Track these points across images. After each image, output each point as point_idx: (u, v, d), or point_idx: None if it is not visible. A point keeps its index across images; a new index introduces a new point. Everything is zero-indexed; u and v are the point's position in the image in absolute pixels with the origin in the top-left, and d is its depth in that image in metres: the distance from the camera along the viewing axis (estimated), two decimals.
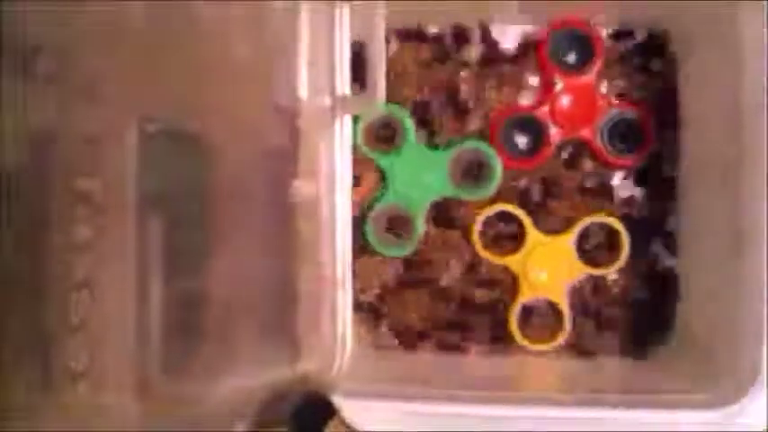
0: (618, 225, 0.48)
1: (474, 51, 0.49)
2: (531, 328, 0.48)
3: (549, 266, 0.48)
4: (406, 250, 0.48)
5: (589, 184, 0.49)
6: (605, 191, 0.49)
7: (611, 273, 0.48)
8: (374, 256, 0.49)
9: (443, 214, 0.49)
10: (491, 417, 0.40)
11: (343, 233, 0.41)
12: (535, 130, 0.49)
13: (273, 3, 0.39)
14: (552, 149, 0.48)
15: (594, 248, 0.48)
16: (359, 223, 0.48)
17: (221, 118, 0.37)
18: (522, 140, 0.49)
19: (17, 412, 0.30)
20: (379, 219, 0.48)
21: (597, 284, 0.49)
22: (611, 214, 0.48)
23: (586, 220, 0.48)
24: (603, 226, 0.48)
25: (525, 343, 0.48)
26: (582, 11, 0.48)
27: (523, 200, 0.49)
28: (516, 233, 0.48)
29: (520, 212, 0.48)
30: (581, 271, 0.48)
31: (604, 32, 0.49)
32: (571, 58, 0.49)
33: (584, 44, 0.48)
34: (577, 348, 0.48)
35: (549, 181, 0.49)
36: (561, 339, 0.48)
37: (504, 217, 0.48)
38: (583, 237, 0.48)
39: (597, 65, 0.48)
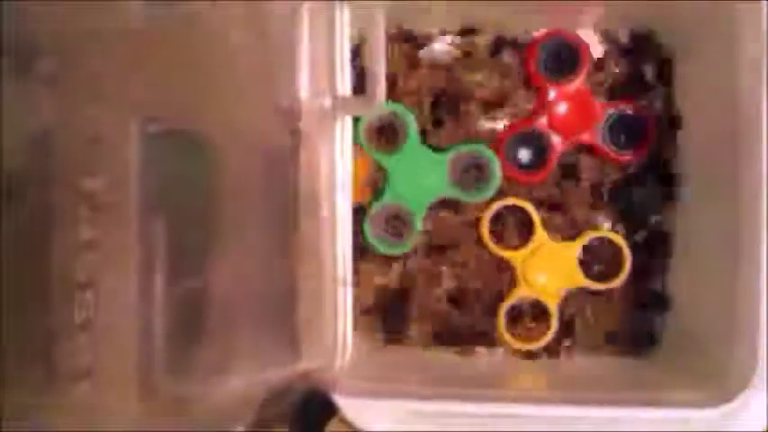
0: (622, 243, 0.48)
1: (472, 50, 0.49)
2: (521, 327, 0.48)
3: (549, 270, 0.48)
4: (403, 249, 0.48)
5: (591, 184, 0.49)
6: (605, 190, 0.49)
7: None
8: (375, 256, 0.49)
9: (443, 213, 0.49)
10: (491, 416, 0.40)
11: (343, 233, 0.41)
12: (538, 142, 0.49)
13: (273, 3, 0.39)
14: (557, 158, 0.48)
15: (596, 262, 0.49)
16: (358, 222, 0.48)
17: (222, 118, 0.37)
18: (526, 154, 0.49)
19: (20, 411, 0.30)
20: (377, 218, 0.48)
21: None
22: (610, 213, 0.48)
23: (593, 234, 0.48)
24: (608, 241, 0.48)
25: (511, 340, 0.48)
26: (580, 10, 0.48)
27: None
28: (523, 232, 0.49)
29: (530, 208, 0.48)
30: (580, 283, 0.48)
31: (603, 32, 0.49)
32: (559, 66, 0.48)
33: (569, 51, 0.48)
34: (575, 347, 0.49)
35: (554, 194, 0.49)
36: (547, 341, 0.48)
37: (513, 213, 0.49)
38: (587, 249, 0.48)
39: (584, 70, 0.48)
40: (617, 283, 0.48)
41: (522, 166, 0.49)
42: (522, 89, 0.49)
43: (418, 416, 0.40)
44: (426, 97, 0.49)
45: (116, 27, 0.34)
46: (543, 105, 0.49)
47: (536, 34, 0.48)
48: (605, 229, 0.49)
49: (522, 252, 0.48)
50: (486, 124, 0.49)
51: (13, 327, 0.31)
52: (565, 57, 0.48)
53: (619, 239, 0.48)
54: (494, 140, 0.48)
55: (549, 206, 0.49)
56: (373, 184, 0.49)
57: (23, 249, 0.31)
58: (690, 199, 0.48)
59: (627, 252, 0.48)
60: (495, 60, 0.49)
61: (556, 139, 0.48)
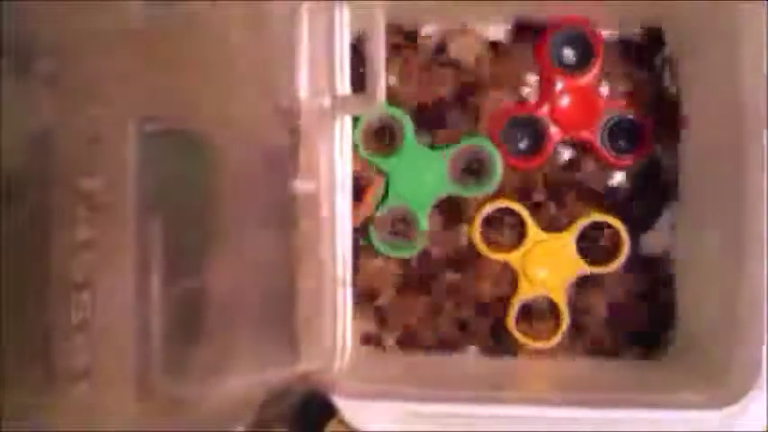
0: (618, 224, 0.48)
1: (473, 50, 0.49)
2: (530, 326, 0.48)
3: (549, 264, 0.48)
4: (412, 251, 0.48)
5: (589, 183, 0.49)
6: (605, 190, 0.49)
7: (610, 272, 0.48)
8: (376, 257, 0.49)
9: (445, 213, 0.49)
10: (491, 417, 0.40)
11: (343, 233, 0.41)
12: (535, 129, 0.48)
13: (273, 3, 0.39)
14: (552, 149, 0.48)
15: (595, 247, 0.48)
16: (363, 227, 0.48)
17: (221, 118, 0.37)
18: (522, 140, 0.49)
19: (19, 412, 0.31)
20: (382, 221, 0.48)
21: (597, 284, 0.49)
22: (611, 213, 0.48)
23: (587, 219, 0.48)
24: (604, 225, 0.48)
25: (524, 340, 0.48)
26: (582, 11, 0.47)
27: (524, 198, 0.49)
28: (517, 230, 0.48)
29: (521, 209, 0.48)
30: (581, 269, 0.48)
31: (604, 33, 0.49)
32: (571, 58, 0.49)
33: (584, 44, 0.48)
34: (576, 348, 0.48)
35: (549, 180, 0.49)
36: (559, 337, 0.48)
37: (506, 213, 0.48)
38: (583, 235, 0.48)
39: (597, 65, 0.48)
40: (617, 264, 0.48)
41: (518, 152, 0.49)
42: (530, 75, 0.49)
43: (417, 417, 0.40)
44: (426, 97, 0.49)
45: (116, 27, 0.34)
46: (548, 94, 0.48)
47: (552, 23, 0.48)
48: (598, 213, 0.48)
49: (518, 252, 0.48)
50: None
51: (11, 327, 0.31)
52: (578, 50, 0.48)
53: (613, 221, 0.48)
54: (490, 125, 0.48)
55: (545, 197, 0.49)
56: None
57: (22, 249, 0.32)
58: (693, 200, 0.47)
59: (624, 233, 0.48)
60: (500, 53, 0.49)
61: (554, 130, 0.48)
